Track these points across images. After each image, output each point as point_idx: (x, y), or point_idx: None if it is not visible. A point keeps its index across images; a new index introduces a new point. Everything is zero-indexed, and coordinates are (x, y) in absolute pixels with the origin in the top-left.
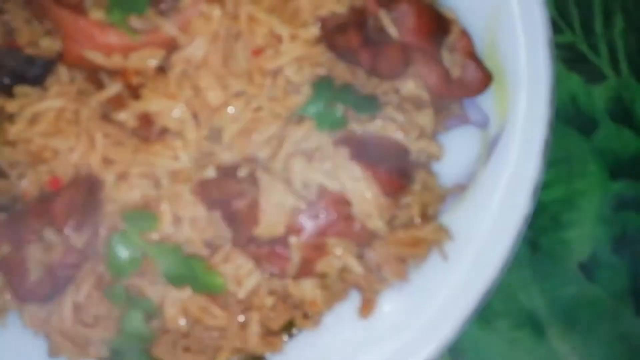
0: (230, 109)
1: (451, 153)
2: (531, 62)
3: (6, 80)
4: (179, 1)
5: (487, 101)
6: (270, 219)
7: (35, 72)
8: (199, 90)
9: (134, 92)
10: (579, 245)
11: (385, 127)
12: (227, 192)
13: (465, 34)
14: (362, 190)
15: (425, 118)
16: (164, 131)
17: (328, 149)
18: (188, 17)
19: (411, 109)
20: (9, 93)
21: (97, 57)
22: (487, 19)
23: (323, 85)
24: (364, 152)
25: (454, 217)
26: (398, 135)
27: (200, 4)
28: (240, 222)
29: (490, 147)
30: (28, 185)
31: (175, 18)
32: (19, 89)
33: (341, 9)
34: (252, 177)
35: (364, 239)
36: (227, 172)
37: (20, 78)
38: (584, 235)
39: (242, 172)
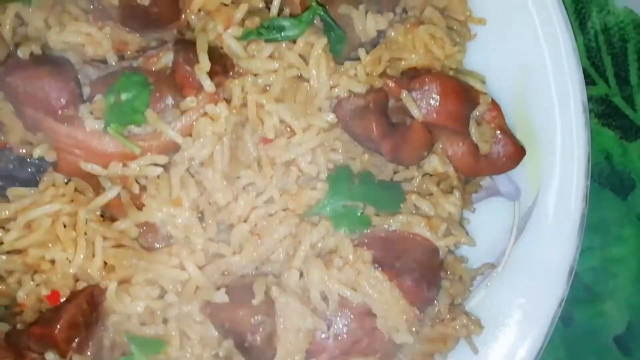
0: (239, 206)
1: (479, 228)
2: (565, 129)
3: None
4: (180, 102)
5: (517, 171)
6: (289, 347)
7: (28, 173)
8: (204, 187)
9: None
10: (615, 317)
11: (410, 223)
12: (241, 325)
13: (495, 105)
14: (387, 301)
15: (452, 204)
16: (169, 236)
17: (348, 252)
18: (192, 119)
19: (437, 193)
20: (2, 195)
21: (94, 169)
22: (518, 78)
23: (340, 179)
24: (388, 256)
25: (483, 302)
26: (424, 232)
27: (205, 105)
28: (255, 355)
29: (522, 221)
30: (26, 296)
31: (178, 121)
32: (13, 191)
33: (359, 87)
34: (267, 299)
35: (390, 354)
36: (239, 295)
37: (13, 179)
38: (620, 306)
39: (257, 301)
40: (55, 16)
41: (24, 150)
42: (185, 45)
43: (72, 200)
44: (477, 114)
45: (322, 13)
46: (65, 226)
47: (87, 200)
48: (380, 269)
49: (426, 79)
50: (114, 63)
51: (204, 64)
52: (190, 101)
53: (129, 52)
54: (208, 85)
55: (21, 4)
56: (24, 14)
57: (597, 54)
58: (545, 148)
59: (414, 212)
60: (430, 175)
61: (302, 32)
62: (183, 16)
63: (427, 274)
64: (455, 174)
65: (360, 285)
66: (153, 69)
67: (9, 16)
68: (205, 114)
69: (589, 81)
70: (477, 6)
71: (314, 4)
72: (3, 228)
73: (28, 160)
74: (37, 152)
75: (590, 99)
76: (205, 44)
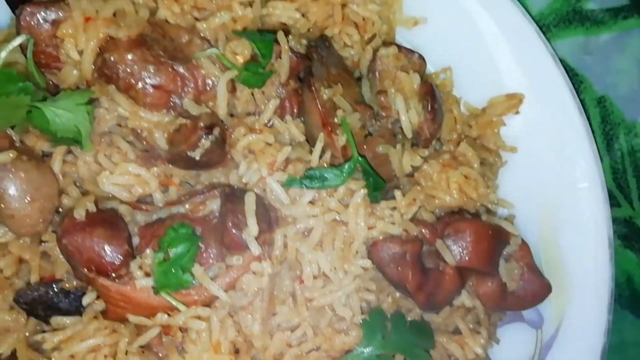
0: (274, 345)
1: (501, 353)
2: (589, 263)
3: (42, 312)
4: (225, 256)
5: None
6: None
7: (72, 304)
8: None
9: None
10: None
11: None
12: None
13: (523, 244)
14: None
15: (480, 346)
16: None
17: None
18: (237, 275)
19: (465, 331)
20: (46, 321)
21: (141, 321)
22: (544, 210)
23: (373, 325)
24: None
25: None
26: None
27: (250, 263)
28: None
29: (543, 350)
30: None
31: (223, 277)
32: (56, 320)
33: (395, 230)
34: None
35: None
36: None
37: (56, 309)
38: None
39: None
40: (104, 150)
41: (70, 284)
42: (233, 201)
43: (113, 331)
44: (507, 252)
45: (363, 163)
46: (105, 356)
47: (127, 331)
48: None
49: (460, 226)
50: (160, 205)
51: (253, 229)
52: (236, 260)
53: (173, 187)
54: (255, 249)
55: None
56: (74, 148)
57: (623, 176)
58: (569, 280)
59: (442, 351)
60: (458, 306)
61: (343, 182)
62: (229, 155)
63: None
64: (483, 307)
65: None
66: (199, 215)
67: (59, 152)
68: (250, 269)
69: (613, 202)
70: (508, 135)
71: (355, 154)
72: (48, 358)
73: (72, 292)
74: (85, 301)
75: (613, 220)
76: (254, 205)
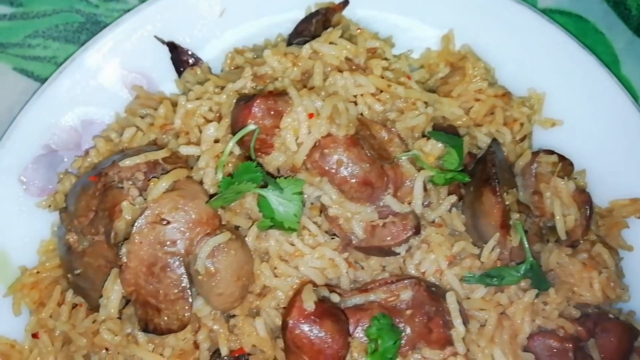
0: None
1: None
2: None
3: None
4: (421, 351)
5: None
6: None
7: None
8: None
9: None
10: None
11: None
12: None
13: None
14: None
15: None
16: None
17: None
18: None
19: None
20: None
21: None
22: None
23: None
24: None
25: None
26: None
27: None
28: None
29: None
30: None
31: None
32: None
33: (551, 326)
34: None
35: None
36: None
37: None
38: None
39: None
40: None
41: (259, 358)
42: (436, 299)
43: None
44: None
45: (535, 265)
46: None
47: None
48: None
49: (607, 326)
50: (346, 287)
51: (460, 330)
52: (437, 354)
53: (351, 269)
54: (462, 349)
55: None
56: None
57: None
58: None
59: None
60: None
61: (518, 281)
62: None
63: None
64: None
65: None
66: (391, 305)
67: (255, 230)
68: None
69: None
70: (626, 235)
71: (530, 256)
72: None
73: None
74: None
75: None
76: (457, 306)
